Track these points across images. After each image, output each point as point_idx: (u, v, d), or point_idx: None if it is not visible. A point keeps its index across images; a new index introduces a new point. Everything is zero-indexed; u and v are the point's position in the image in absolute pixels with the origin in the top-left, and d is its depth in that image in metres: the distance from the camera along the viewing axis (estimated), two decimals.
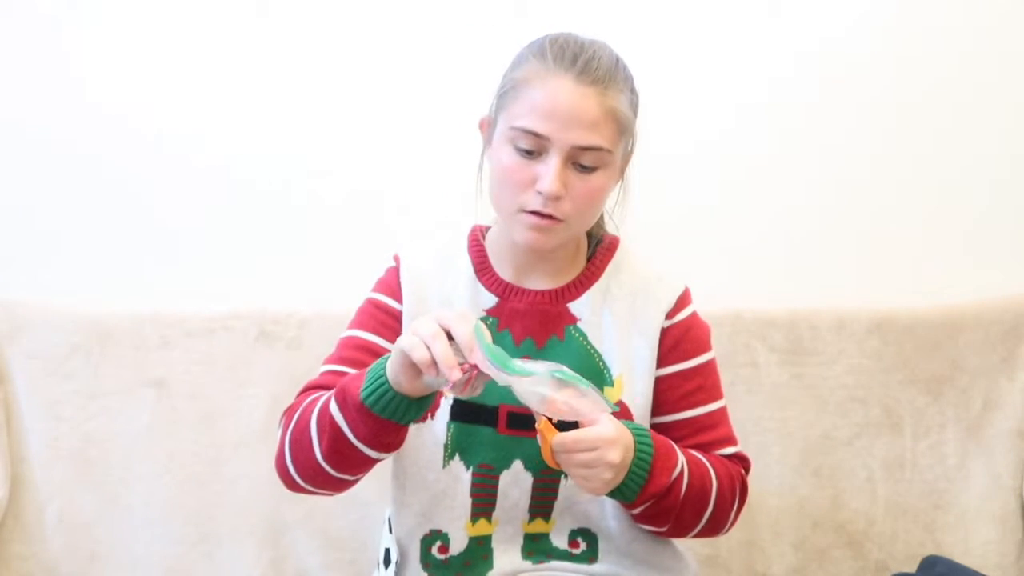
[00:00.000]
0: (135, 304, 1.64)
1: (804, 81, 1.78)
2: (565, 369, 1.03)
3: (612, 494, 1.11)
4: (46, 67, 1.71)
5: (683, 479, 1.14)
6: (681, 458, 1.15)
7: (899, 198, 1.81)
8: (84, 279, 1.73)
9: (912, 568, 1.56)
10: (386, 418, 1.04)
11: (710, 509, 1.18)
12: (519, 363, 1.02)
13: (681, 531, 1.20)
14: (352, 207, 1.75)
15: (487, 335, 1.02)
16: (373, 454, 1.08)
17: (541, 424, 1.07)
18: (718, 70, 1.77)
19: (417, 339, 0.99)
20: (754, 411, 1.66)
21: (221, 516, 1.60)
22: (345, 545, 1.61)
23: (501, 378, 1.01)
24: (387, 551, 1.25)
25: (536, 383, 1.02)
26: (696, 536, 1.21)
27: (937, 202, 1.81)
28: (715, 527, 1.21)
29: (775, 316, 1.68)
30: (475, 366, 1.00)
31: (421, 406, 1.06)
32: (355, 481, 1.15)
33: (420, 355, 0.98)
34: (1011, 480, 1.68)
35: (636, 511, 1.15)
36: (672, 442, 1.17)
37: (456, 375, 0.98)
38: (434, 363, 0.98)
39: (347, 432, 1.07)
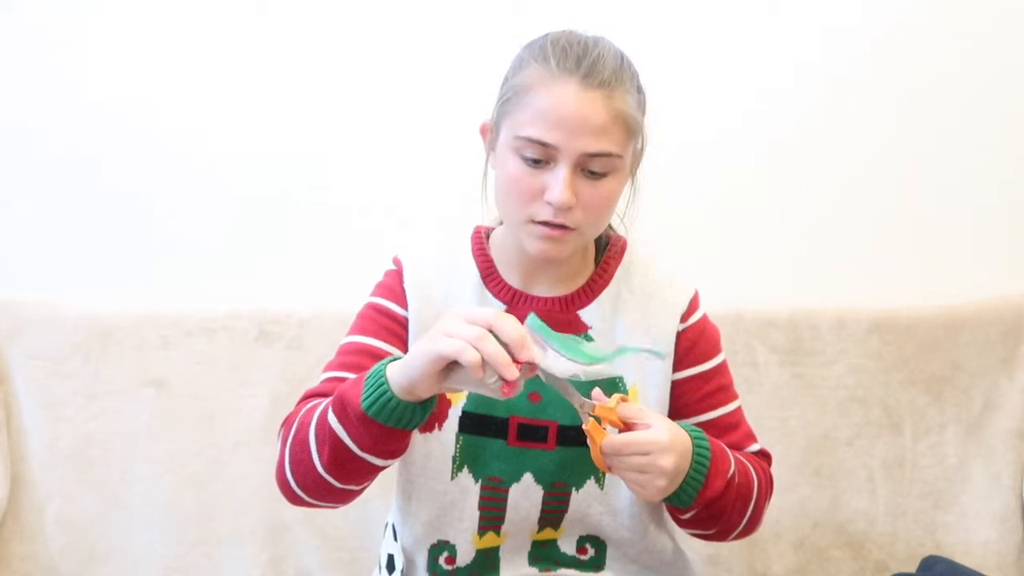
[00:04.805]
0: (135, 304, 1.64)
1: (804, 81, 1.78)
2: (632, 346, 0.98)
3: (668, 499, 1.07)
4: (46, 67, 1.71)
5: (735, 481, 1.10)
6: (732, 459, 1.11)
7: (899, 198, 1.81)
8: (84, 279, 1.73)
9: (912, 568, 1.56)
10: (391, 426, 0.99)
11: (751, 509, 1.14)
12: (590, 347, 0.96)
13: (726, 533, 1.15)
14: (352, 207, 1.75)
15: (546, 324, 0.95)
16: (378, 462, 1.03)
17: (589, 425, 1.01)
18: (717, 70, 1.77)
19: (460, 341, 0.92)
20: (754, 411, 1.64)
21: (221, 516, 1.60)
22: (345, 545, 1.61)
23: (568, 369, 0.95)
24: (390, 557, 1.24)
25: (608, 368, 0.97)
26: (735, 538, 1.17)
27: (937, 202, 1.81)
28: (752, 527, 1.17)
29: (775, 316, 1.68)
30: (527, 363, 0.94)
31: (426, 409, 1.00)
32: (360, 491, 1.09)
33: (470, 357, 0.91)
34: (1011, 480, 1.68)
35: (687, 516, 1.11)
36: (721, 443, 1.13)
37: (514, 373, 0.92)
38: (482, 365, 0.92)
39: (348, 443, 1.01)
